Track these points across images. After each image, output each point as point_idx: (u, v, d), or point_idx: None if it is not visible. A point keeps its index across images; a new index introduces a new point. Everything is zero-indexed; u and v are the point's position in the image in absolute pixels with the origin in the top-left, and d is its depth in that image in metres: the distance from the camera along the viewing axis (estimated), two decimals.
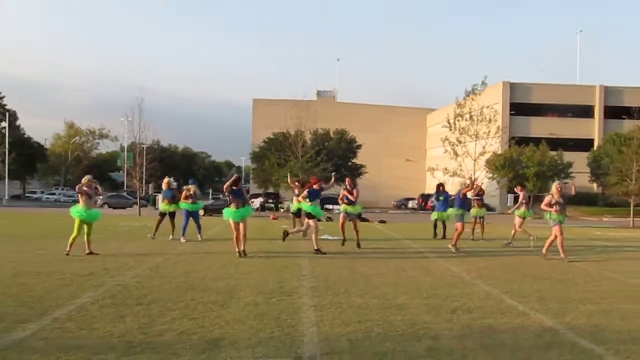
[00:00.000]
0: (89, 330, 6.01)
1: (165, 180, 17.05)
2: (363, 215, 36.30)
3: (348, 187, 15.31)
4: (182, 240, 15.95)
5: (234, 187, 12.32)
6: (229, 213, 12.23)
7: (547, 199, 13.28)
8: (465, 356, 5.35)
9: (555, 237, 13.11)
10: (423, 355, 5.37)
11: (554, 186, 13.60)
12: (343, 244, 15.32)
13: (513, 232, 16.85)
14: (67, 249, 12.17)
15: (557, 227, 13.09)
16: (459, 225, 14.83)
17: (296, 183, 17.72)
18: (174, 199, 16.66)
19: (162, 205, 16.81)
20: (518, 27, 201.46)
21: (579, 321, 6.99)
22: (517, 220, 16.70)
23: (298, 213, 17.92)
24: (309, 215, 13.68)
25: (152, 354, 5.22)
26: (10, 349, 5.28)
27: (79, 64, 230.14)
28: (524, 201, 16.87)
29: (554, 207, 13.05)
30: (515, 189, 17.41)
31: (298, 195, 15.56)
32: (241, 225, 12.22)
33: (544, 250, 13.31)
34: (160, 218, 16.72)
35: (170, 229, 16.39)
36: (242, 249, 12.35)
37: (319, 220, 13.67)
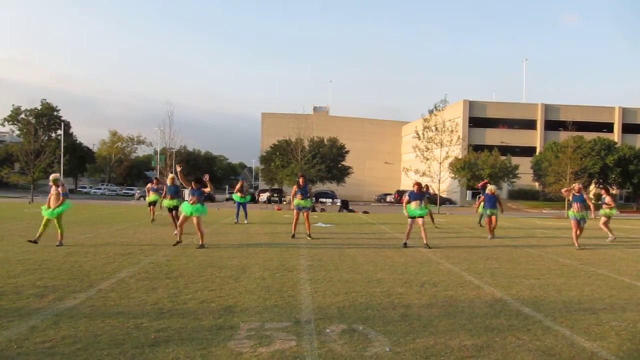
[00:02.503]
0: (127, 299, 6.00)
1: (170, 176, 14.87)
2: (350, 207, 36.59)
3: (301, 183, 13.61)
4: (242, 221, 18.07)
5: (193, 187, 11.29)
6: (185, 207, 11.11)
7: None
8: (431, 321, 5.35)
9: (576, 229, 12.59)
10: (397, 320, 5.37)
11: (575, 186, 12.73)
12: (293, 237, 13.39)
13: (605, 229, 14.86)
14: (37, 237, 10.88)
15: (573, 221, 12.60)
16: (492, 219, 14.32)
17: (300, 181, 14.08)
18: (177, 195, 14.40)
19: (165, 201, 14.36)
20: (477, 55, 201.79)
21: (523, 293, 7.01)
22: (603, 219, 15.05)
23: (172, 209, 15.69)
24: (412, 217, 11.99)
25: (179, 319, 5.21)
26: (63, 315, 5.26)
27: (121, 83, 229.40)
28: (611, 204, 15.03)
29: (573, 204, 12.50)
30: (601, 192, 15.79)
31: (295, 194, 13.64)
32: (195, 220, 11.00)
33: (576, 243, 12.57)
34: (170, 214, 14.20)
35: (173, 224, 13.87)
36: (180, 239, 11.18)
37: (412, 218, 11.92)
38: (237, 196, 18.76)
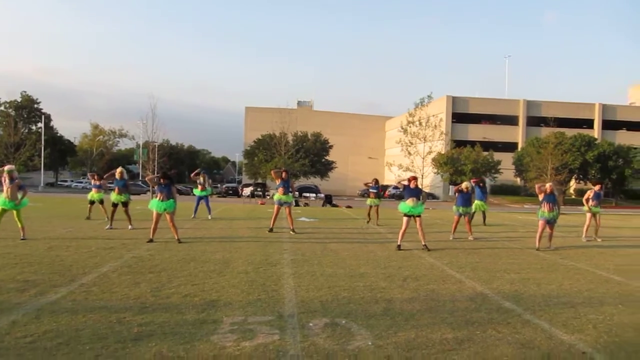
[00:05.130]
0: (110, 294, 5.97)
1: (118, 169, 14.03)
2: (334, 202, 36.66)
3: (283, 177, 13.29)
4: (193, 217, 17.12)
5: (161, 182, 10.85)
6: (153, 204, 10.80)
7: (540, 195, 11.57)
8: (413, 315, 5.41)
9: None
10: (380, 314, 5.41)
11: (547, 186, 11.69)
12: (271, 231, 13.14)
13: None
14: None
15: (542, 221, 11.44)
16: (457, 217, 13.27)
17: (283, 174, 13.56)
18: (126, 189, 13.82)
19: (113, 195, 13.72)
20: (460, 52, 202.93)
21: (504, 287, 7.10)
22: None
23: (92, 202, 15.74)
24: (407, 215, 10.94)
25: (162, 313, 5.20)
26: (44, 309, 5.22)
27: (103, 76, 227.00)
28: None
29: (543, 204, 11.41)
30: None
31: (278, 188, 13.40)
32: (167, 216, 10.78)
33: (537, 244, 11.51)
34: (113, 209, 13.56)
35: (127, 219, 13.48)
36: (153, 238, 10.81)
37: (410, 216, 10.84)
38: (196, 190, 17.93)
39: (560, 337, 4.81)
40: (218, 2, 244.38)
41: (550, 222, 11.51)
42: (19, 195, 10.86)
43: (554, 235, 11.98)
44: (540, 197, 11.58)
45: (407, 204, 10.87)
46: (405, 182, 11.17)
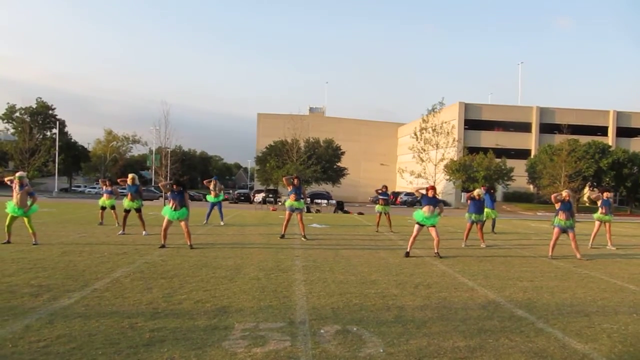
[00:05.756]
0: (122, 299, 6.01)
1: (130, 176, 14.16)
2: (345, 208, 36.59)
3: (295, 183, 13.37)
4: (205, 223, 17.02)
5: (174, 189, 10.93)
6: (166, 211, 10.90)
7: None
8: (425, 323, 5.38)
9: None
10: (391, 321, 5.40)
11: (564, 193, 11.53)
12: (282, 237, 13.31)
13: None
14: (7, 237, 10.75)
15: (557, 229, 11.40)
16: (468, 224, 13.20)
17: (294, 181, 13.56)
18: (138, 195, 13.95)
19: (126, 201, 13.80)
20: (473, 58, 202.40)
21: (516, 295, 7.05)
22: None
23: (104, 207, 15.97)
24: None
25: (173, 318, 5.23)
26: (58, 314, 5.27)
27: (117, 82, 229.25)
28: None
29: (559, 212, 11.39)
30: None
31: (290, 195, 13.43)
32: (182, 224, 10.89)
33: (550, 252, 11.38)
34: (125, 214, 13.64)
35: (141, 225, 13.59)
36: (164, 243, 10.85)
37: (421, 225, 10.82)
38: (210, 196, 17.92)
39: (574, 347, 4.76)
40: (232, 9, 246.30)
41: (567, 231, 11.37)
42: (28, 202, 10.98)
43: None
44: (557, 205, 11.47)
45: (422, 213, 10.79)
46: (424, 191, 11.10)
